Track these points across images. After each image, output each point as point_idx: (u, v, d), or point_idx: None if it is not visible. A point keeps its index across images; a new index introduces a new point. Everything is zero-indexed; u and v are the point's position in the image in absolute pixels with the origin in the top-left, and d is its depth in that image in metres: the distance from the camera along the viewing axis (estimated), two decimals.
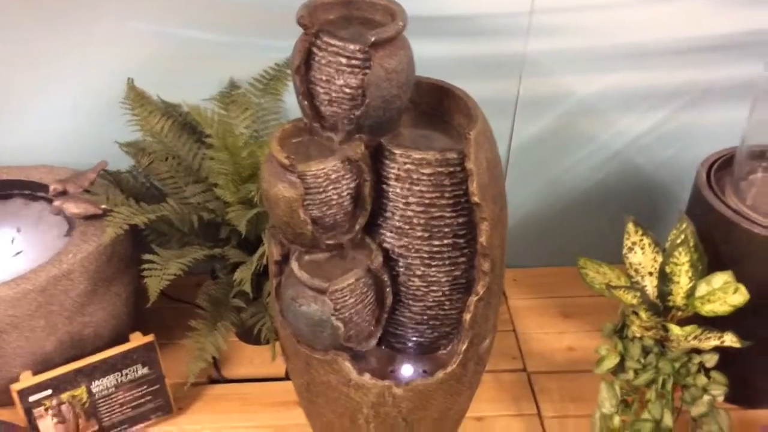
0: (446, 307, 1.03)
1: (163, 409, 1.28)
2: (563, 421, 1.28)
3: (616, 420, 1.06)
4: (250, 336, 1.34)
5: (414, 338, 1.07)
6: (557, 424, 1.28)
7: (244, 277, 1.15)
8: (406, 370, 1.09)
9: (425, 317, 1.04)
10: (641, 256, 1.10)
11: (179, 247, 1.24)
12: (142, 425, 1.27)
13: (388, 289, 1.01)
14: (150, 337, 1.24)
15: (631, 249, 1.10)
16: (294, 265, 0.98)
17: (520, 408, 1.31)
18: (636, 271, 1.11)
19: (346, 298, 0.97)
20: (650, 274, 1.10)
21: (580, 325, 1.46)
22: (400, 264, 1.00)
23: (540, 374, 1.37)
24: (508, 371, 1.38)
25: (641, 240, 1.10)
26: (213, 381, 1.36)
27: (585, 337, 1.43)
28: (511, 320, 1.48)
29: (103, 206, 1.16)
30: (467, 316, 0.98)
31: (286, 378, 1.36)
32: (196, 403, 1.32)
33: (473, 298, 0.97)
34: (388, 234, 0.99)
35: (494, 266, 0.98)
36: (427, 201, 0.98)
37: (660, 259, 1.09)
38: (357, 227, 0.97)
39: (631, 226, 1.10)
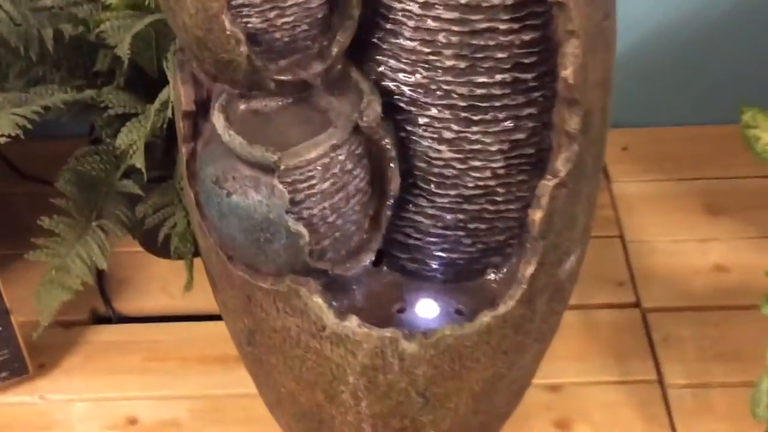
0: (498, 199, 1.00)
1: (9, 367, 1.26)
2: (702, 392, 1.28)
3: None
4: (155, 244, 1.34)
5: (440, 253, 1.05)
6: (691, 397, 1.27)
7: (135, 141, 1.14)
8: (426, 309, 1.07)
9: (461, 217, 1.02)
10: None
11: (24, 86, 1.19)
12: None
13: (392, 166, 0.98)
14: None
15: None
16: (218, 120, 0.94)
17: (628, 371, 1.30)
18: None
19: (315, 181, 0.93)
20: None
21: (736, 228, 1.45)
22: (415, 117, 0.97)
23: (665, 313, 1.37)
24: (609, 307, 1.38)
25: None
26: (99, 320, 1.38)
27: (744, 248, 1.43)
28: (616, 220, 1.49)
29: None
30: (537, 215, 0.94)
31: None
32: (70, 357, 1.32)
33: (548, 183, 0.94)
34: (394, 64, 0.96)
35: (588, 124, 0.94)
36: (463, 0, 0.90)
37: None
38: (334, 51, 0.94)
39: None
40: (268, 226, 0.94)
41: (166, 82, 1.16)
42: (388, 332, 0.99)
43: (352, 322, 0.99)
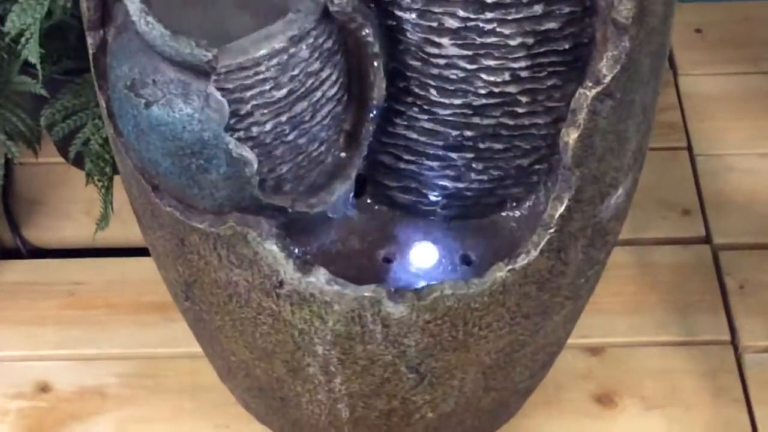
0: (520, 111, 1.00)
1: None
2: None
3: None
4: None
5: (441, 182, 1.06)
6: None
7: (28, 25, 1.12)
8: (422, 256, 1.07)
9: (469, 134, 1.02)
10: None
11: None
12: None
13: (375, 65, 0.97)
14: None
15: None
16: (132, 5, 0.91)
17: (692, 328, 1.30)
18: None
19: (267, 87, 0.92)
20: None
21: None
22: (408, 1, 0.95)
23: (742, 252, 1.37)
24: (671, 243, 1.39)
25: None
26: (4, 254, 1.40)
27: None
28: (683, 126, 1.50)
29: None
30: (572, 136, 0.92)
31: None
32: None
33: (588, 92, 0.91)
34: None
35: (645, 10, 0.90)
36: None
37: None
38: None
39: None
40: (201, 149, 0.92)
41: None
42: (367, 291, 0.97)
43: (319, 277, 0.96)
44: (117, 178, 1.26)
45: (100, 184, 1.25)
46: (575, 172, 0.94)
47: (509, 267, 0.97)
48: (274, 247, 0.95)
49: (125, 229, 1.37)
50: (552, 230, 0.96)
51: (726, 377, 1.25)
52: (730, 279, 1.33)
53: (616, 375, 1.26)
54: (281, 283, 0.96)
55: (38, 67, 1.15)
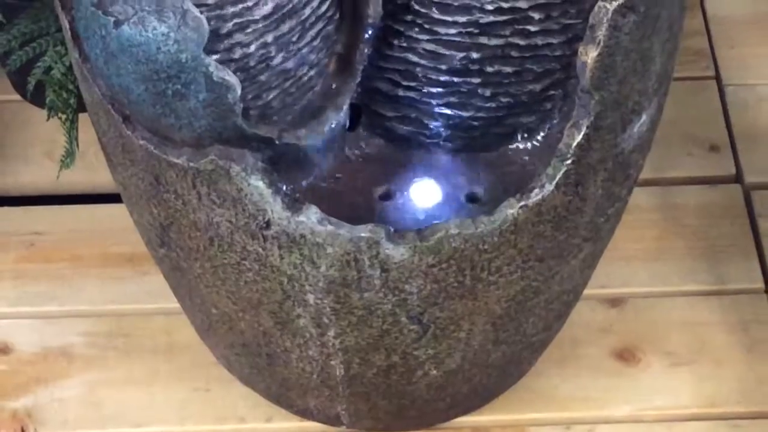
0: (532, 29, 1.03)
1: None
2: None
3: None
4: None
5: (445, 110, 1.07)
6: None
7: None
8: (424, 193, 1.08)
9: (475, 56, 1.03)
10: None
11: None
12: None
13: None
14: None
15: None
16: None
17: (721, 276, 1.32)
18: None
19: (250, 3, 0.94)
20: None
21: None
22: None
23: None
24: (698, 183, 1.40)
25: None
26: None
27: None
28: (710, 53, 1.51)
29: None
30: (590, 54, 0.92)
31: None
32: None
33: (607, 5, 0.91)
34: None
35: None
36: None
37: None
38: None
39: None
40: (178, 73, 0.92)
41: None
42: (364, 231, 0.97)
43: (311, 216, 0.96)
44: (82, 116, 1.26)
45: (64, 117, 1.25)
46: (594, 96, 0.94)
47: (521, 203, 0.97)
48: (260, 183, 0.95)
49: (90, 174, 1.38)
50: (569, 161, 0.96)
51: (760, 329, 1.26)
52: (763, 221, 1.34)
53: (638, 328, 1.27)
54: (268, 224, 0.97)
55: None
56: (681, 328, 1.27)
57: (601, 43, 0.92)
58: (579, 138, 0.96)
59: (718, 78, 1.48)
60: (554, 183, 0.97)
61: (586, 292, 1.20)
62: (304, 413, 1.21)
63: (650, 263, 1.32)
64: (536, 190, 0.97)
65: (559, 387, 1.22)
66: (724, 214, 1.36)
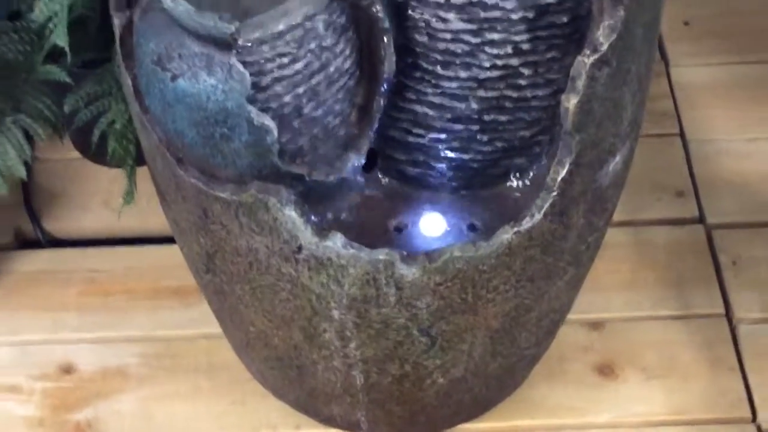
0: (523, 83, 1.02)
1: None
2: None
3: None
4: (93, 147, 1.33)
5: (449, 154, 1.07)
6: (765, 335, 1.28)
7: (56, 12, 1.14)
8: (431, 225, 1.09)
9: (475, 106, 1.03)
10: None
11: None
12: None
13: (385, 40, 0.99)
14: None
15: None
16: None
17: (687, 302, 1.32)
18: None
19: (285, 61, 0.94)
20: None
21: None
22: None
23: (734, 230, 1.38)
24: (665, 223, 1.40)
25: None
26: (25, 244, 1.41)
27: None
28: (675, 113, 1.51)
29: None
30: (572, 102, 0.93)
31: None
32: None
33: (586, 60, 0.92)
34: None
35: None
36: None
37: None
38: None
39: None
40: (225, 118, 0.94)
41: None
42: (381, 254, 0.97)
43: (336, 242, 0.97)
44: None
45: (124, 162, 1.26)
46: (575, 137, 0.95)
47: (515, 229, 0.98)
48: (293, 213, 0.95)
49: (142, 219, 1.38)
50: (555, 193, 0.97)
51: (721, 348, 1.27)
52: (723, 255, 1.34)
53: (616, 347, 1.27)
54: (300, 248, 0.97)
55: (66, 49, 1.15)
56: (653, 347, 1.28)
57: (581, 92, 0.93)
58: (563, 173, 0.96)
59: (682, 134, 1.48)
60: (542, 212, 0.97)
61: (571, 316, 1.21)
62: (329, 421, 1.20)
63: (626, 292, 1.33)
64: (527, 219, 0.97)
65: (548, 397, 1.22)
66: (688, 250, 1.36)
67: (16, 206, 1.39)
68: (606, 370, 1.25)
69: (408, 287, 0.99)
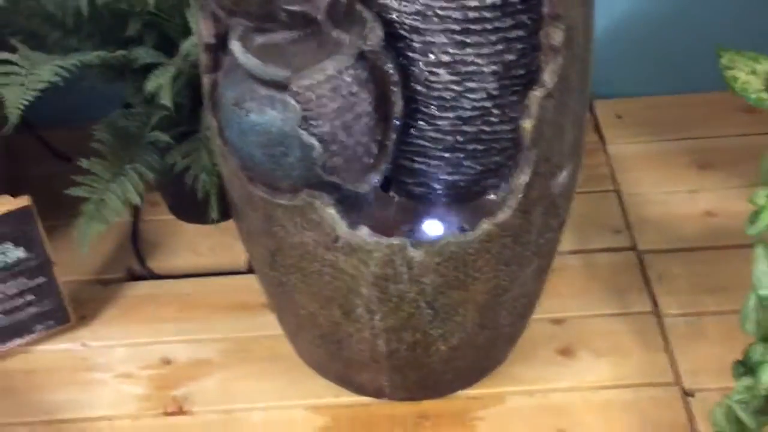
0: (494, 120, 1.01)
1: (53, 316, 1.28)
2: (695, 320, 1.29)
3: None
4: (184, 210, 1.36)
5: (443, 176, 1.06)
6: (685, 325, 1.29)
7: (161, 84, 1.15)
8: (432, 228, 1.09)
9: (460, 138, 1.02)
10: None
11: (61, 54, 1.20)
12: (20, 341, 1.27)
13: (395, 90, 0.98)
14: (25, 201, 1.19)
15: None
16: (236, 46, 0.97)
17: (626, 304, 1.32)
18: None
19: (324, 99, 0.95)
20: None
21: (722, 179, 1.47)
22: (415, 44, 0.98)
23: (658, 254, 1.38)
24: (608, 251, 1.39)
25: None
26: (135, 277, 1.40)
27: (730, 196, 1.44)
28: (612, 176, 1.51)
29: None
30: (527, 124, 0.95)
31: (249, 272, 1.37)
32: (108, 310, 1.35)
33: (536, 93, 0.94)
34: None
35: (571, 39, 0.94)
36: None
37: None
38: None
39: None
40: (283, 140, 0.96)
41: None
42: (396, 240, 1.01)
43: (363, 232, 1.01)
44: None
45: (210, 191, 1.28)
46: (532, 152, 0.98)
47: (492, 221, 1.01)
48: (333, 212, 1.00)
49: (217, 260, 1.42)
50: (520, 195, 1.00)
51: (651, 335, 1.27)
52: (651, 272, 1.34)
53: (573, 336, 1.27)
54: (337, 238, 1.01)
55: (170, 103, 1.17)
56: (601, 336, 1.28)
57: (534, 116, 0.96)
58: (524, 179, 0.99)
59: (618, 191, 1.49)
60: (512, 209, 1.00)
61: (539, 316, 1.24)
62: (361, 389, 1.19)
63: (579, 298, 1.34)
64: (501, 214, 1.01)
65: (525, 372, 1.23)
66: (625, 269, 1.37)
67: (128, 251, 1.42)
68: (566, 352, 1.26)
69: (416, 266, 1.01)
